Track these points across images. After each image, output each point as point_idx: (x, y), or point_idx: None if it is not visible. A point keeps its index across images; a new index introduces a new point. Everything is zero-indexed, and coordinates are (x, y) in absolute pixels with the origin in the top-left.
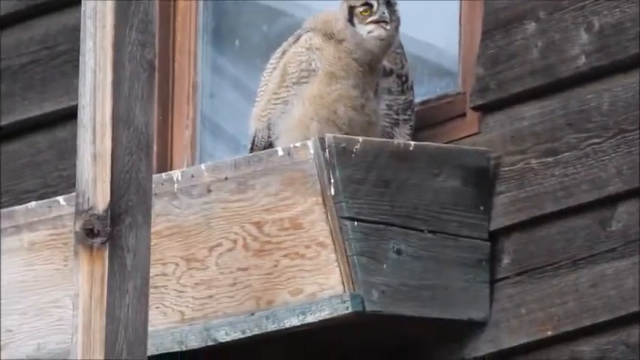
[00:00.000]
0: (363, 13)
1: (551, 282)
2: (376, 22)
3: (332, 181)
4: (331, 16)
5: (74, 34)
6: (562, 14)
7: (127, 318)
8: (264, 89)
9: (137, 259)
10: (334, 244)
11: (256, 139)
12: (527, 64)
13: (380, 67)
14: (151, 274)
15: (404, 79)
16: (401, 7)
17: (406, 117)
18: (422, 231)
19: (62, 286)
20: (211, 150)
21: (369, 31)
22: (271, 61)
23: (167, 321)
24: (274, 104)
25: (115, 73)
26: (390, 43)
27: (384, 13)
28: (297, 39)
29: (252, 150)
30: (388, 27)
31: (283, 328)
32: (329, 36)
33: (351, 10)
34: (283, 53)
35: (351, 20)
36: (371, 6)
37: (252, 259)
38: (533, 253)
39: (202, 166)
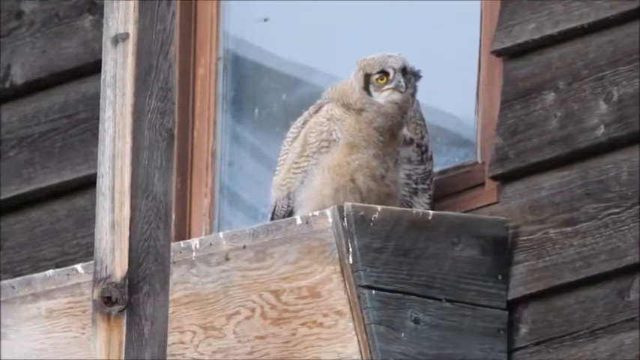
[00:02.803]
0: (379, 80)
1: (570, 352)
2: (392, 89)
3: (350, 249)
4: (347, 86)
5: (93, 102)
6: (581, 84)
7: None
8: (284, 158)
9: (155, 328)
10: (352, 313)
11: (276, 208)
12: (546, 134)
13: (401, 136)
14: (168, 343)
15: (424, 149)
16: (421, 78)
17: (425, 186)
18: (440, 300)
19: (80, 354)
20: (229, 218)
21: (385, 96)
22: (292, 130)
23: None
24: (294, 173)
25: (135, 142)
26: (408, 108)
27: (399, 81)
28: (319, 109)
29: (272, 219)
30: (404, 90)
31: None
32: (347, 106)
33: (367, 78)
34: (304, 123)
35: (366, 88)
36: (387, 74)
37: (270, 328)
38: (551, 323)
39: (221, 234)
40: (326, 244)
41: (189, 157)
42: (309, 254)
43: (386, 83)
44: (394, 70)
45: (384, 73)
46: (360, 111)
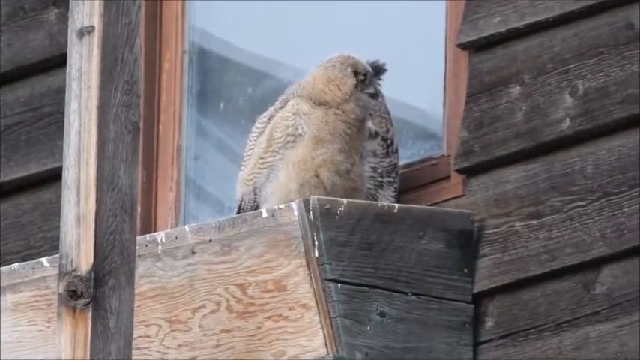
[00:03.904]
0: (360, 82)
1: (535, 345)
2: (372, 94)
3: (316, 243)
4: (320, 82)
5: (59, 95)
6: (546, 78)
7: None
8: (250, 154)
9: (120, 321)
10: (318, 306)
11: (243, 203)
12: (512, 128)
13: (366, 130)
14: (134, 336)
15: (389, 142)
16: (387, 71)
17: (390, 179)
18: (406, 293)
19: (45, 347)
20: (195, 212)
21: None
22: (257, 125)
23: None
24: (260, 169)
25: (100, 135)
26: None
27: (379, 86)
28: (284, 104)
29: (238, 214)
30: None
31: None
32: (316, 102)
33: (355, 75)
34: (270, 118)
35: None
36: (366, 76)
37: (235, 321)
38: (516, 316)
39: (186, 227)
40: (292, 237)
41: (154, 151)
42: (275, 247)
43: (363, 84)
44: (371, 73)
45: (365, 75)
46: (339, 105)
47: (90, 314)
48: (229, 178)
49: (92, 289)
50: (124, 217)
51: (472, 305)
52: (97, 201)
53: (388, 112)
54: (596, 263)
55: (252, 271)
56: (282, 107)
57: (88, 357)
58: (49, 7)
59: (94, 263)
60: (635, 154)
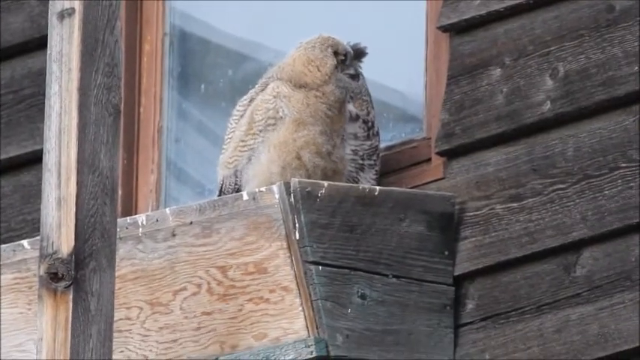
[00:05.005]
0: (340, 62)
1: (516, 327)
2: (352, 75)
3: (297, 225)
4: (300, 64)
5: (39, 77)
6: (527, 60)
7: None
8: (231, 136)
9: (101, 303)
10: (299, 289)
11: (224, 186)
12: (493, 110)
13: (347, 112)
14: (115, 318)
15: (370, 125)
16: (368, 55)
17: (371, 162)
18: (386, 276)
19: (26, 330)
20: (176, 194)
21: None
22: (238, 107)
23: None
24: (241, 151)
25: (81, 117)
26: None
27: (359, 68)
28: (265, 87)
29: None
30: (359, 79)
31: None
32: (296, 84)
33: (335, 55)
34: (250, 101)
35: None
36: (346, 57)
37: (216, 304)
38: (497, 299)
39: (167, 210)
40: (273, 219)
41: (135, 133)
42: (256, 230)
43: (344, 65)
44: (351, 55)
45: (345, 56)
46: (319, 86)
47: (71, 297)
48: (210, 160)
49: (73, 272)
50: (105, 199)
51: (453, 288)
52: (78, 183)
53: (369, 95)
54: (577, 246)
55: (233, 254)
56: (263, 90)
57: (69, 339)
58: None
59: (75, 246)
60: (615, 137)
